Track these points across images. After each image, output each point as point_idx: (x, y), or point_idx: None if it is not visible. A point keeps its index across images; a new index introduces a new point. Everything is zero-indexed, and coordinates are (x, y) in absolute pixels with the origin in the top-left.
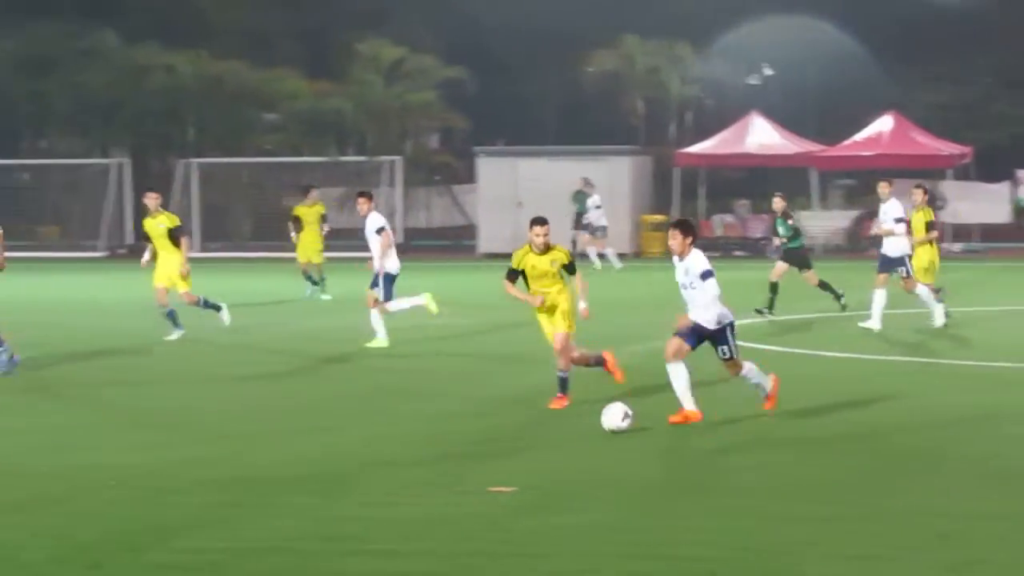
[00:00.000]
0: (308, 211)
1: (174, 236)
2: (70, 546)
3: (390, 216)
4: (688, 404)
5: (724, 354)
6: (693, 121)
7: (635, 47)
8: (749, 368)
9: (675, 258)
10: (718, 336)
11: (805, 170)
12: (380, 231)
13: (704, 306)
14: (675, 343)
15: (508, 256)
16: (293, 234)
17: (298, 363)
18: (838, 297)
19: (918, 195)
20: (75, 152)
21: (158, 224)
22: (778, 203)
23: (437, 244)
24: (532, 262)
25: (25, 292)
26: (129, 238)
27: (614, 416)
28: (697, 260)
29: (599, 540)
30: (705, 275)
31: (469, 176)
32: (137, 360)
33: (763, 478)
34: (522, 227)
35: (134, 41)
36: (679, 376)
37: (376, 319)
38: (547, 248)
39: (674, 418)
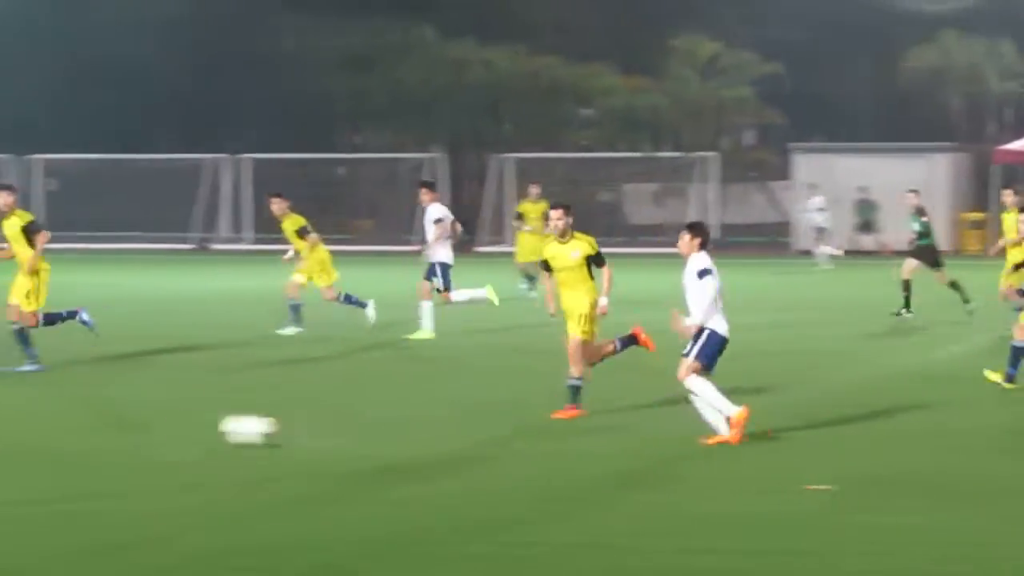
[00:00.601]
0: (532, 207)
1: (301, 236)
2: (397, 534)
3: (704, 212)
4: (728, 410)
5: (685, 350)
6: (1013, 117)
7: (954, 43)
8: (702, 393)
9: None
10: (696, 335)
11: None
12: (438, 221)
13: (696, 304)
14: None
15: None
16: (515, 225)
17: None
18: (966, 301)
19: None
20: (388, 147)
21: (287, 228)
22: (913, 199)
23: (753, 241)
24: (553, 252)
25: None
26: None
27: (248, 427)
28: (697, 260)
29: (911, 541)
30: (701, 273)
31: (784, 172)
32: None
33: None
34: (837, 223)
35: (450, 37)
36: (705, 391)
37: (426, 311)
38: (566, 236)
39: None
